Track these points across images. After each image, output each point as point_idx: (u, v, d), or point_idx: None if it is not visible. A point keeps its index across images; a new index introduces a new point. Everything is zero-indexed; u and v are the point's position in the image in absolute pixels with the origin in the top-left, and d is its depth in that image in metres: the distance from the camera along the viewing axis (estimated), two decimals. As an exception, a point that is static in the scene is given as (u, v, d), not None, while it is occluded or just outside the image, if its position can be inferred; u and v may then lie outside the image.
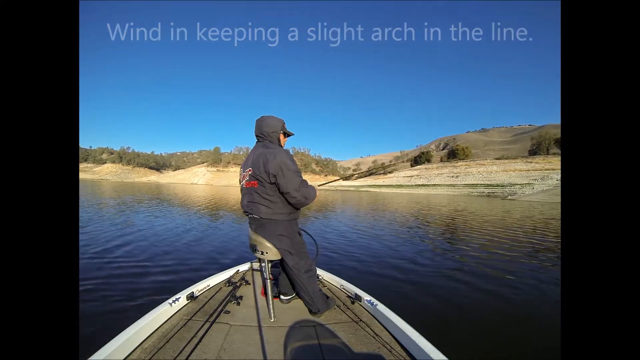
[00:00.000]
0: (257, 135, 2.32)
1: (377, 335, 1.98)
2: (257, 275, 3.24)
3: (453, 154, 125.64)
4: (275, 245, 2.21)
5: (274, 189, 2.13)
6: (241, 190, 2.32)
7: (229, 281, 2.92)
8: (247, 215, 2.29)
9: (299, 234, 2.38)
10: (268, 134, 2.26)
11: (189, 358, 1.72)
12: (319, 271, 3.04)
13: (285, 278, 2.51)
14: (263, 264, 2.35)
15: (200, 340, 1.88)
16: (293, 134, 2.44)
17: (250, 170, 2.17)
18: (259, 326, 2.16)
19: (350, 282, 2.78)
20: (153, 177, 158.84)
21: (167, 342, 1.87)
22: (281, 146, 2.35)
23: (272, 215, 2.17)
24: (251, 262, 3.47)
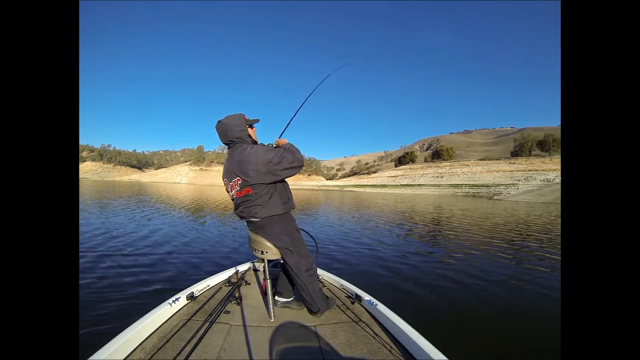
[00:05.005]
0: (227, 143, 2.23)
1: (377, 335, 1.98)
2: (257, 275, 3.23)
3: (437, 155, 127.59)
4: (275, 245, 2.20)
5: (267, 187, 2.11)
6: (233, 200, 2.25)
7: (228, 281, 2.90)
8: (244, 219, 2.27)
9: (297, 231, 2.37)
10: (237, 137, 2.19)
11: (189, 358, 1.70)
12: (319, 271, 3.03)
13: (284, 279, 2.49)
14: (263, 264, 2.34)
15: (200, 340, 1.86)
16: (258, 120, 2.30)
17: (239, 180, 2.11)
18: (259, 326, 2.15)
19: (350, 282, 2.78)
20: (135, 176, 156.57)
21: (167, 342, 1.85)
22: (255, 141, 2.29)
23: (269, 212, 2.14)
24: (251, 262, 3.46)
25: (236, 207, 2.25)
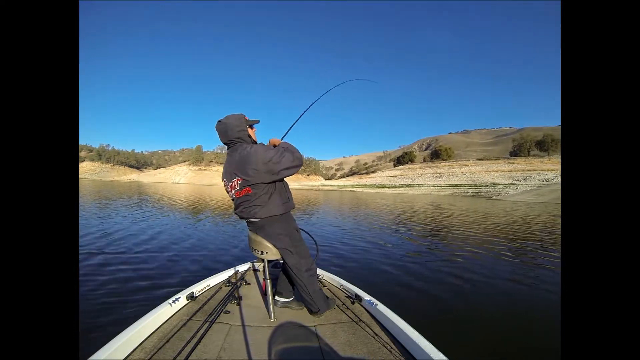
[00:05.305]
0: (227, 143, 2.22)
1: (377, 335, 1.98)
2: (257, 275, 3.23)
3: (436, 155, 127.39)
4: (275, 245, 2.19)
5: (266, 187, 2.11)
6: (233, 201, 2.25)
7: (228, 281, 2.91)
8: (244, 219, 2.27)
9: (297, 231, 2.36)
10: (237, 137, 2.18)
11: (189, 358, 1.70)
12: (319, 271, 3.03)
13: (284, 279, 2.49)
14: (263, 264, 2.34)
15: (200, 340, 1.86)
16: (258, 121, 2.31)
17: (239, 180, 2.10)
18: (259, 326, 2.15)
19: (350, 282, 2.78)
20: (133, 176, 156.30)
21: (167, 342, 1.85)
22: (254, 141, 2.29)
23: (269, 212, 2.14)
24: (251, 262, 3.46)
25: (236, 207, 2.24)
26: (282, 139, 2.39)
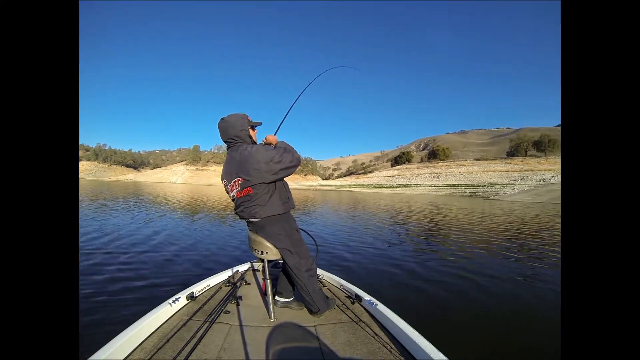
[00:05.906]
0: (227, 141, 2.22)
1: (377, 335, 1.98)
2: (257, 275, 3.23)
3: (433, 155, 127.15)
4: (275, 245, 2.20)
5: (267, 187, 2.11)
6: (234, 201, 2.25)
7: (228, 281, 2.91)
8: (244, 219, 2.27)
9: (297, 231, 2.36)
10: (237, 136, 2.19)
11: (189, 358, 1.70)
12: (319, 271, 3.03)
13: (284, 279, 2.49)
14: (263, 264, 2.34)
15: (200, 340, 1.87)
16: (260, 124, 2.33)
17: (240, 180, 2.10)
18: (259, 326, 2.15)
19: (350, 282, 2.78)
20: (130, 176, 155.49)
21: (167, 342, 1.85)
22: (254, 142, 2.30)
23: (269, 212, 2.14)
24: (251, 262, 3.46)
25: (236, 207, 2.25)
26: (275, 134, 2.41)
